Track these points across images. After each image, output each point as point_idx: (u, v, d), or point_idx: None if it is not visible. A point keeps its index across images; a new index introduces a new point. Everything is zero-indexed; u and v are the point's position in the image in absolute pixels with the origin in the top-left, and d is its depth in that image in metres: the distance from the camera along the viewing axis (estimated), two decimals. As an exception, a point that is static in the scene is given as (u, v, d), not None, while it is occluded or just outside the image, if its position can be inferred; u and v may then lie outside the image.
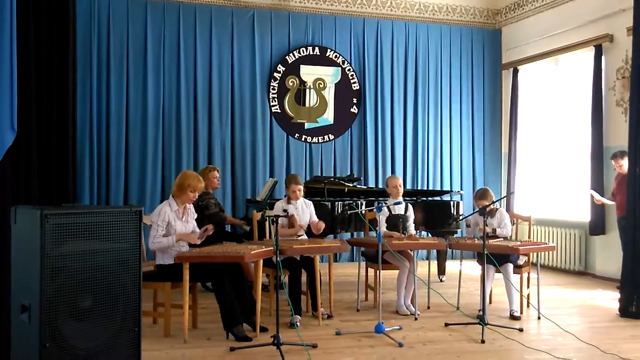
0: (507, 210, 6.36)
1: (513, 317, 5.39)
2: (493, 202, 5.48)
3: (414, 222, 6.04)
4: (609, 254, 7.47)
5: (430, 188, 9.34)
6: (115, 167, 8.09)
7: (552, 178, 8.81)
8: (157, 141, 8.28)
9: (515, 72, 9.39)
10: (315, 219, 5.63)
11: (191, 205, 5.00)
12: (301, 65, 8.97)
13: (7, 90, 3.68)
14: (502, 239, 5.60)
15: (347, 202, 6.76)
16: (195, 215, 5.09)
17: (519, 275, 5.60)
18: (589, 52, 7.97)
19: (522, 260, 5.66)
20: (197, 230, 5.01)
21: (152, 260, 4.97)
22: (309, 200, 5.77)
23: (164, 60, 8.35)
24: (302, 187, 5.58)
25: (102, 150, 8.08)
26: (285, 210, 5.16)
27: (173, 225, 4.76)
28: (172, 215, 4.78)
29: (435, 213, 7.17)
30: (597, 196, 7.08)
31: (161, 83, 8.34)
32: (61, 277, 3.09)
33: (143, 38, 8.26)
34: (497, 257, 5.27)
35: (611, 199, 7.03)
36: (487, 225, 5.58)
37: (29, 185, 4.14)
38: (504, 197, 7.83)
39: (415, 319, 5.35)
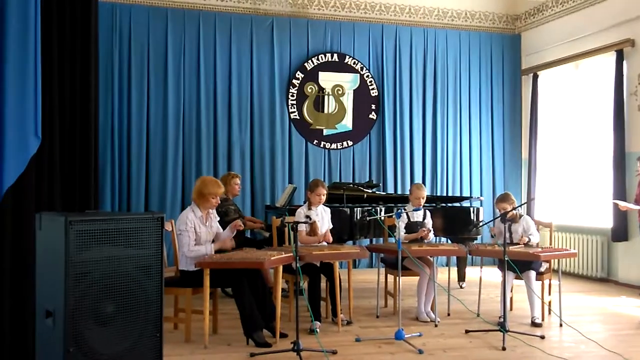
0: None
1: (534, 324, 5.34)
2: (514, 208, 5.44)
3: (432, 228, 6.01)
4: (632, 260, 7.37)
5: (450, 194, 9.30)
6: (136, 174, 8.19)
7: (573, 184, 8.72)
8: (177, 148, 8.36)
9: (535, 77, 9.33)
10: (330, 226, 5.64)
11: (214, 209, 5.04)
12: (320, 72, 8.99)
13: (31, 99, 3.75)
14: (523, 245, 5.54)
15: (366, 208, 6.75)
16: (218, 218, 5.14)
17: (540, 282, 5.54)
18: (610, 57, 7.90)
19: (544, 267, 5.60)
20: (221, 230, 5.05)
21: (172, 267, 5.01)
22: (327, 207, 5.77)
23: (184, 68, 8.44)
24: (326, 192, 5.59)
25: (124, 157, 8.18)
26: (308, 217, 5.16)
27: (198, 232, 4.80)
28: (197, 221, 4.83)
29: (455, 219, 7.13)
30: (622, 204, 6.94)
31: (181, 90, 8.42)
32: (85, 283, 3.13)
33: (163, 46, 8.36)
34: (519, 264, 5.21)
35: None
36: (511, 232, 5.54)
37: (52, 191, 4.19)
38: (524, 203, 7.78)
39: (436, 325, 5.33)
